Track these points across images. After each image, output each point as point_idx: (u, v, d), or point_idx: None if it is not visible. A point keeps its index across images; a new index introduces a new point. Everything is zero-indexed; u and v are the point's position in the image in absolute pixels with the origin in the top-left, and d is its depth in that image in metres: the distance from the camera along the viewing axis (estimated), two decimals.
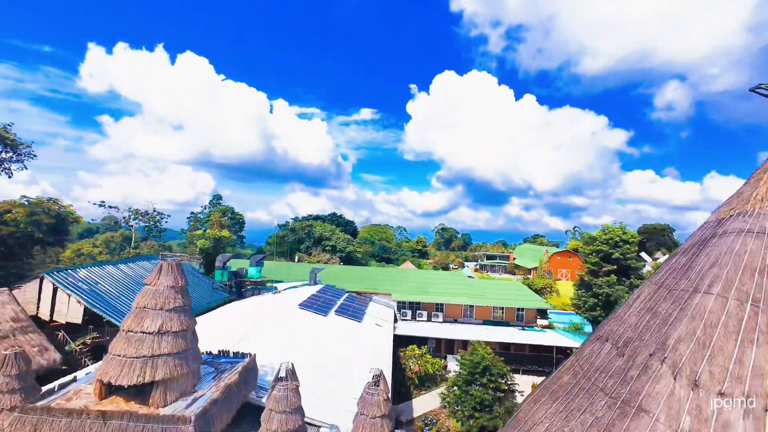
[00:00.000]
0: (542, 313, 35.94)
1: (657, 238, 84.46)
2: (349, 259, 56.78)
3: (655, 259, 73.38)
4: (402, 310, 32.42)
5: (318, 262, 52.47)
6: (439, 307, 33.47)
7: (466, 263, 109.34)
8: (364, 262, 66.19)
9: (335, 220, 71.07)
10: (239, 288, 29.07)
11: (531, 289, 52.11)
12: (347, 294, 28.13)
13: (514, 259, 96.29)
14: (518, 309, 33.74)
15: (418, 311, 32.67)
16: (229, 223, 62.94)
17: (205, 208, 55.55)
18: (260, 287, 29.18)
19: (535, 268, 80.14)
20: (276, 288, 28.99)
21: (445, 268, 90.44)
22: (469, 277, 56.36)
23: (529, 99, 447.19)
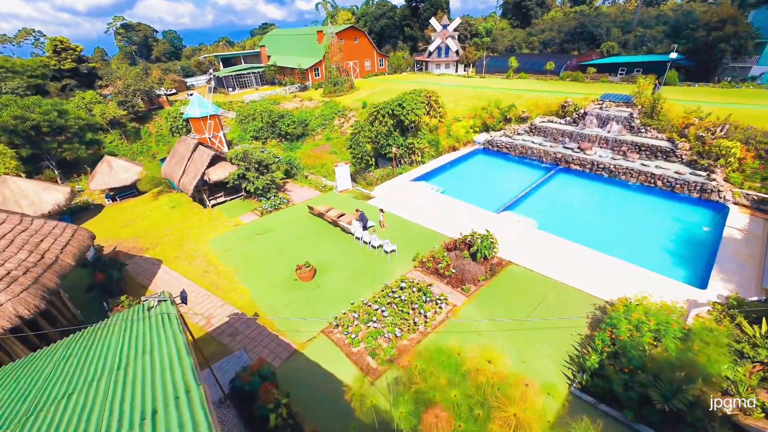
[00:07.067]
0: None
1: None
2: None
3: (442, 22, 56.77)
4: None
5: None
6: None
7: (190, 81, 61.96)
8: None
9: None
10: None
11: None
12: None
13: (269, 57, 59.17)
14: None
15: None
16: None
17: None
18: None
19: (316, 66, 49.35)
20: None
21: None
22: None
23: None
